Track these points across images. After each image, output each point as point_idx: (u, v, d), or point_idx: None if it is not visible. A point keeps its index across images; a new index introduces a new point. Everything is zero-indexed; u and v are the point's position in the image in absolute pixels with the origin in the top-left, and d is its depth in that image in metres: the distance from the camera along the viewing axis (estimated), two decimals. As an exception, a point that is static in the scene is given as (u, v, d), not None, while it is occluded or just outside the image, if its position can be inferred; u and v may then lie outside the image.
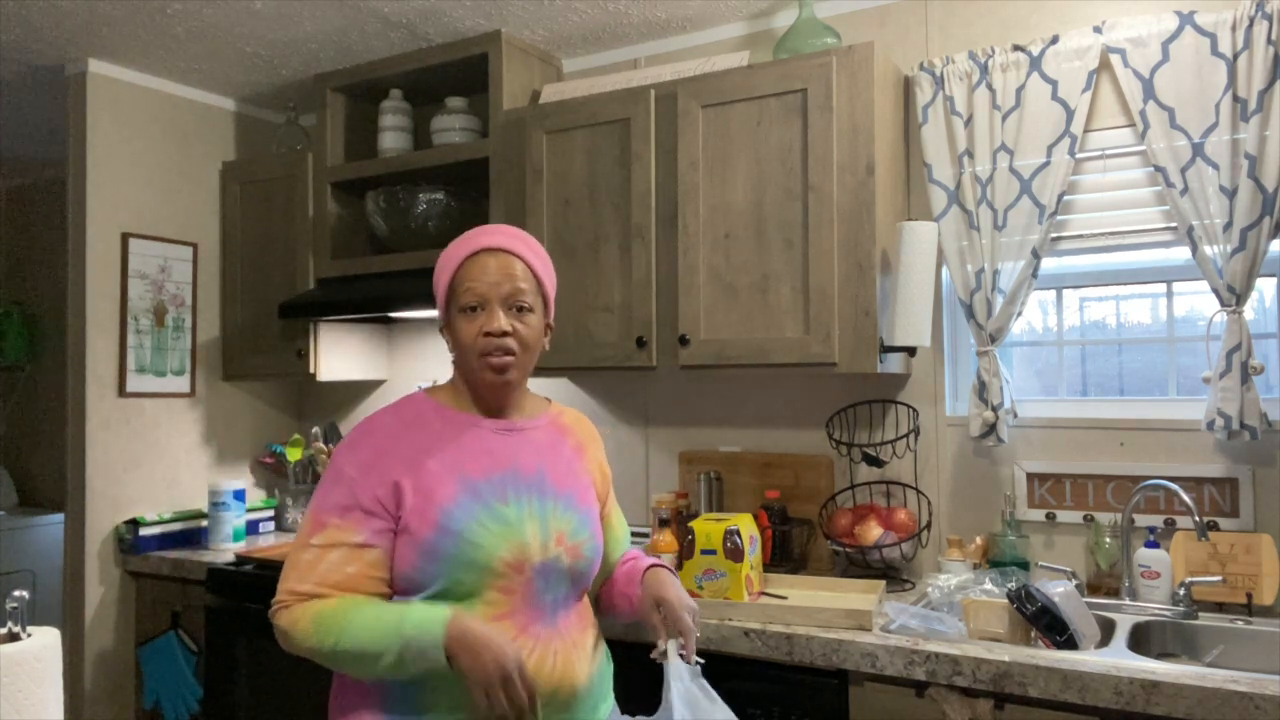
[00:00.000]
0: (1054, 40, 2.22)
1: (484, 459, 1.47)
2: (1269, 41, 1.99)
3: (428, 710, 1.38)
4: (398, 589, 1.42)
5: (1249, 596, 2.02)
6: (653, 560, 1.66)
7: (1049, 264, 2.32)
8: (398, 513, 1.40)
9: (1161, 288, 2.30)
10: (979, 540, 2.32)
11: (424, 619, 1.32)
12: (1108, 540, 2.20)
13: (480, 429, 1.50)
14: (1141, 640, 1.95)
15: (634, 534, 2.70)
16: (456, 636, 1.30)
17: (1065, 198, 2.24)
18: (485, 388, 1.49)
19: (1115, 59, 2.16)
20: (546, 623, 1.45)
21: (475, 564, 1.39)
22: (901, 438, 2.43)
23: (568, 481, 1.54)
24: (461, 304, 1.47)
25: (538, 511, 1.46)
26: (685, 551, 2.11)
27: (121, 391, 3.02)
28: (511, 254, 1.49)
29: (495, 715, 1.28)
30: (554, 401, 1.66)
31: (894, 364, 2.33)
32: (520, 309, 1.47)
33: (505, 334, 1.45)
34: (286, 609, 1.38)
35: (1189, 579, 2.07)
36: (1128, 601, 2.12)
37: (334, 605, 1.36)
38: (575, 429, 1.63)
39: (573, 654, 1.47)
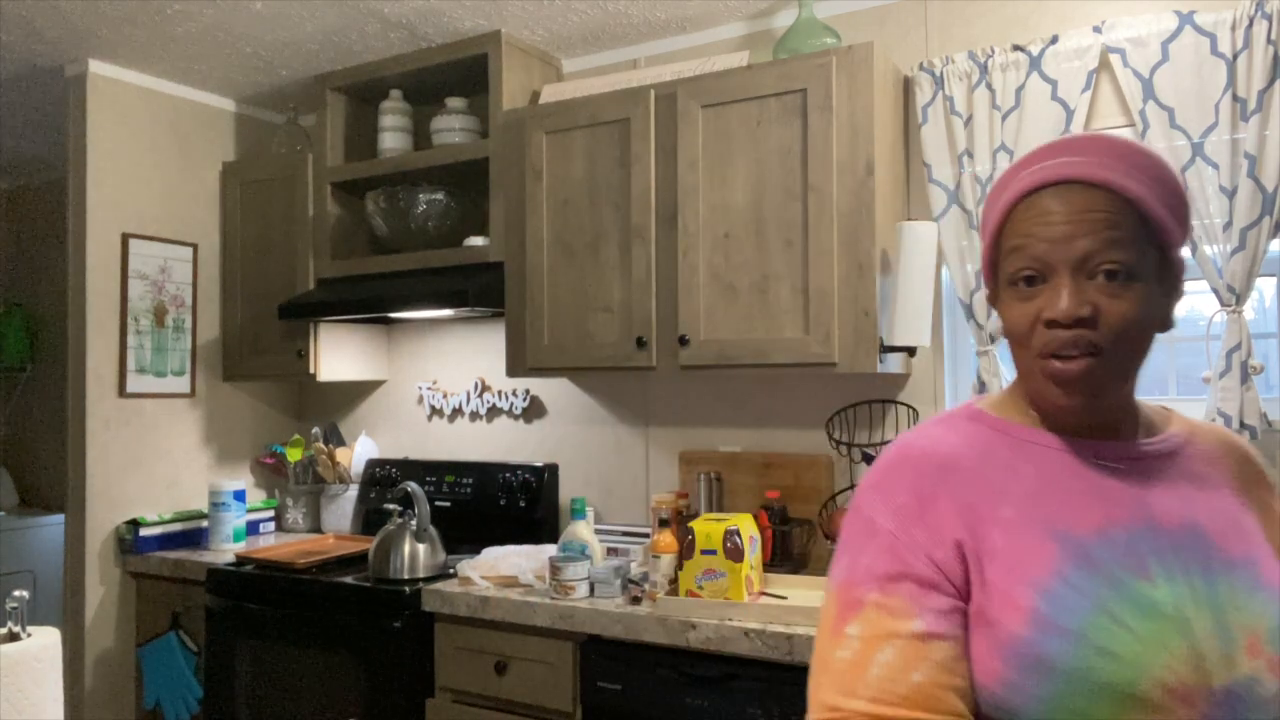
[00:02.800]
0: (1054, 40, 2.22)
1: (1092, 505, 0.90)
2: (1269, 41, 1.99)
3: None
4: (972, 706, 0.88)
5: (1249, 596, 2.02)
6: None
7: (1049, 264, 2.32)
8: (967, 587, 0.89)
9: (1161, 288, 2.30)
10: (979, 540, 2.31)
11: None
12: (1108, 540, 2.19)
13: (1075, 457, 0.94)
14: (1141, 640, 1.95)
15: (634, 535, 2.71)
16: None
17: (1065, 198, 2.24)
18: (1050, 406, 0.94)
19: (1115, 59, 2.16)
20: None
21: (1112, 689, 0.81)
22: (901, 438, 2.43)
23: (1241, 543, 0.92)
24: (1010, 271, 0.94)
25: (1205, 595, 0.87)
26: (685, 551, 2.11)
27: (122, 392, 3.02)
28: (1101, 186, 0.91)
29: None
30: (1174, 411, 1.05)
31: (894, 364, 2.33)
32: (1112, 275, 0.89)
33: (1080, 322, 0.89)
34: None
35: (1189, 579, 2.06)
36: (1128, 601, 2.12)
37: None
38: (1227, 458, 1.01)
39: None
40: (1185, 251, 0.91)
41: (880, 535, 0.91)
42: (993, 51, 2.29)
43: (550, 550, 2.47)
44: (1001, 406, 1.00)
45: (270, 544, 3.04)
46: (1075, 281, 0.89)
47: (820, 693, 0.88)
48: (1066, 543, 0.88)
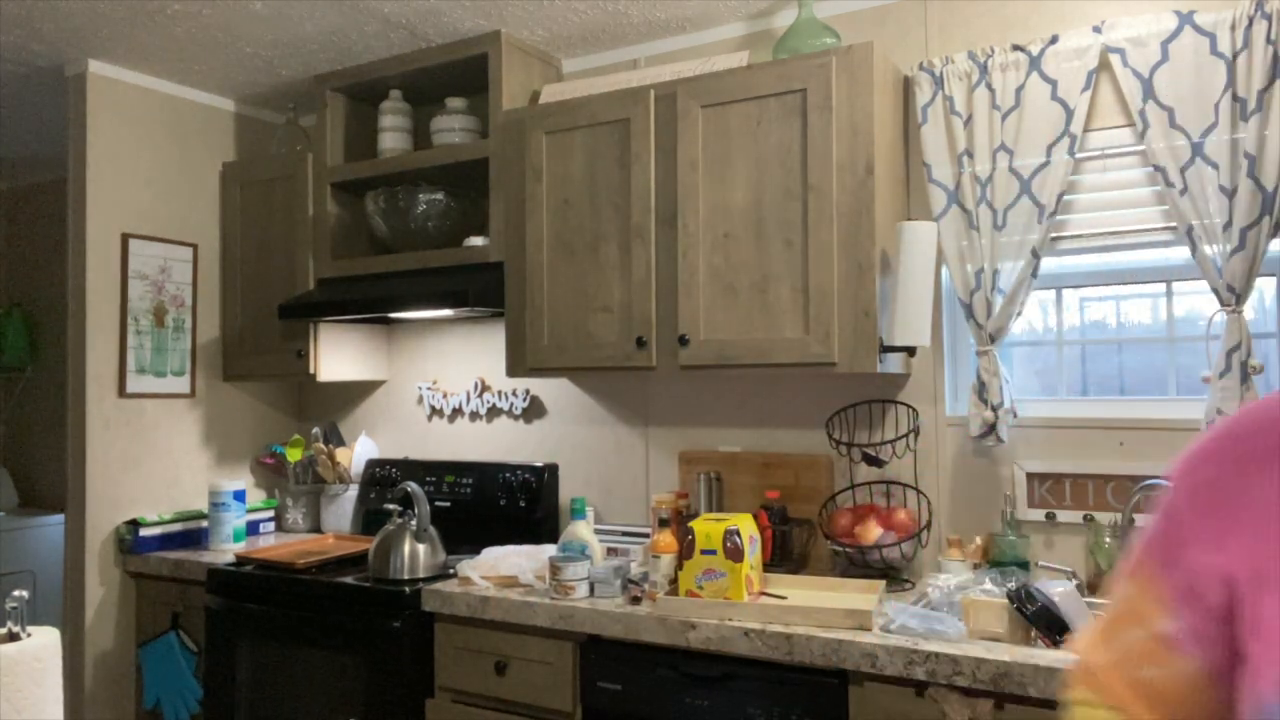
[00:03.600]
0: (1053, 40, 2.22)
1: None
2: (1268, 41, 1.99)
3: None
4: None
5: (1250, 596, 2.01)
6: None
7: (1049, 264, 2.32)
8: (1228, 623, 0.71)
9: (1161, 288, 2.30)
10: (979, 540, 2.32)
11: None
12: (1108, 540, 2.20)
13: None
14: (1141, 640, 1.95)
15: (634, 534, 2.71)
16: None
17: (1065, 197, 2.24)
18: None
19: (1115, 59, 2.16)
20: None
21: None
22: (901, 437, 2.43)
23: None
24: None
25: None
26: (685, 551, 2.11)
27: (121, 392, 3.02)
28: None
29: None
30: None
31: (894, 364, 2.33)
32: None
33: None
34: (1084, 683, 0.81)
35: (1189, 579, 2.06)
36: (1128, 601, 2.12)
37: None
38: None
39: None
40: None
41: (1166, 513, 0.78)
42: (992, 51, 2.29)
43: (550, 550, 2.47)
44: None
45: (270, 544, 3.04)
46: None
47: (1099, 621, 0.82)
48: None
